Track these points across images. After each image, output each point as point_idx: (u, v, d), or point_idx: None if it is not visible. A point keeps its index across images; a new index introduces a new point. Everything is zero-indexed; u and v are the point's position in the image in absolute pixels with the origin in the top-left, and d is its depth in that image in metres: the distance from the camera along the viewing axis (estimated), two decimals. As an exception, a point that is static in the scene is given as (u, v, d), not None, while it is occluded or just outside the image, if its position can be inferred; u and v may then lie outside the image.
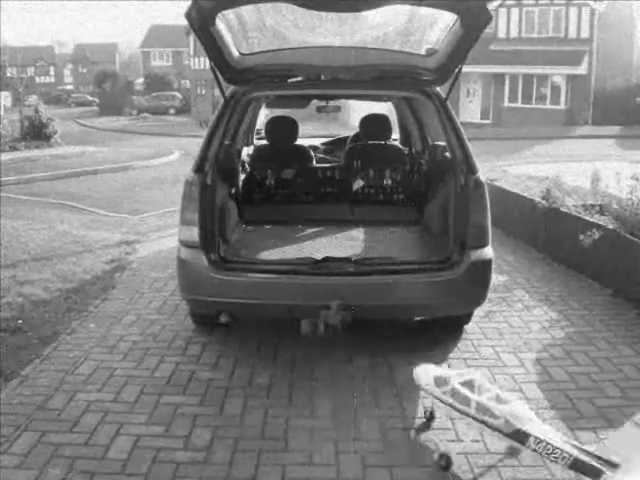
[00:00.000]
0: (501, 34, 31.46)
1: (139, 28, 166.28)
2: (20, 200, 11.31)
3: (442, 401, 3.29)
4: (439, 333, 4.69)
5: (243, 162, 5.80)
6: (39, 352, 4.44)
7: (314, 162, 6.11)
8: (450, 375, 3.37)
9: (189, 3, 3.44)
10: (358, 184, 5.88)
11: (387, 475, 3.06)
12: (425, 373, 3.46)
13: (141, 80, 57.66)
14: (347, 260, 4.12)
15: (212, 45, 3.91)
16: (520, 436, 2.98)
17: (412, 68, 4.41)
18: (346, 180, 5.94)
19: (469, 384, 3.30)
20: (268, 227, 5.18)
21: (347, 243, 4.67)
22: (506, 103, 31.91)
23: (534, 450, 2.96)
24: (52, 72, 72.60)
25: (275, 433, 3.42)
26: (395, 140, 6.52)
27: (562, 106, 30.57)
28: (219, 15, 3.67)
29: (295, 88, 4.62)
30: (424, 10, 3.85)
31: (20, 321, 4.98)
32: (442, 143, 4.61)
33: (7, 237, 7.81)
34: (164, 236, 8.08)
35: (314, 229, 5.04)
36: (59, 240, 7.75)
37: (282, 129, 5.88)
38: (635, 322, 4.95)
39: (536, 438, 2.94)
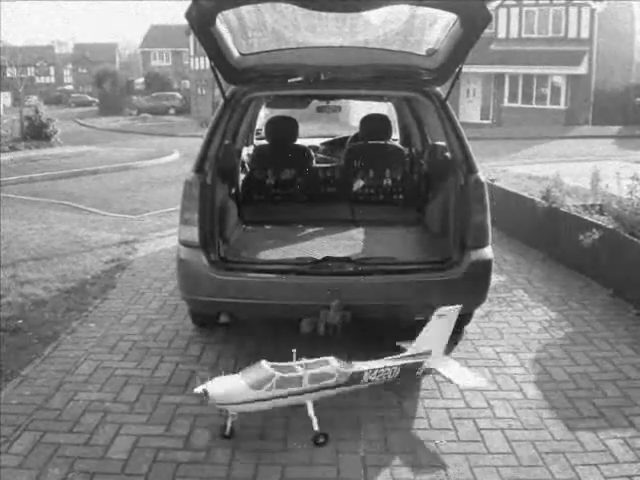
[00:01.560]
0: (501, 34, 31.45)
1: (139, 28, 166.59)
2: (20, 200, 11.30)
3: (264, 399, 3.22)
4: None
5: (243, 162, 5.79)
6: (39, 352, 4.44)
7: (314, 162, 6.10)
8: (264, 371, 3.29)
9: (189, 3, 3.44)
10: (358, 184, 5.87)
11: (387, 475, 3.07)
12: (221, 386, 3.25)
13: (141, 80, 57.58)
14: (347, 260, 4.12)
15: (212, 45, 3.91)
16: (356, 377, 3.41)
17: (412, 68, 4.40)
18: (346, 180, 5.93)
19: (281, 368, 3.33)
20: (268, 227, 5.17)
21: (347, 243, 4.66)
22: (506, 103, 31.90)
23: (370, 381, 3.45)
24: (52, 72, 72.42)
25: (275, 433, 3.42)
26: (395, 140, 6.52)
27: (562, 106, 30.56)
28: (219, 15, 3.67)
29: (295, 88, 4.61)
30: (424, 10, 3.84)
31: (20, 321, 4.98)
32: (442, 143, 4.61)
33: (7, 237, 7.82)
34: (164, 236, 8.09)
35: (314, 229, 5.03)
36: (59, 240, 7.76)
37: (282, 129, 5.88)
38: (635, 322, 4.95)
39: (368, 371, 3.44)
